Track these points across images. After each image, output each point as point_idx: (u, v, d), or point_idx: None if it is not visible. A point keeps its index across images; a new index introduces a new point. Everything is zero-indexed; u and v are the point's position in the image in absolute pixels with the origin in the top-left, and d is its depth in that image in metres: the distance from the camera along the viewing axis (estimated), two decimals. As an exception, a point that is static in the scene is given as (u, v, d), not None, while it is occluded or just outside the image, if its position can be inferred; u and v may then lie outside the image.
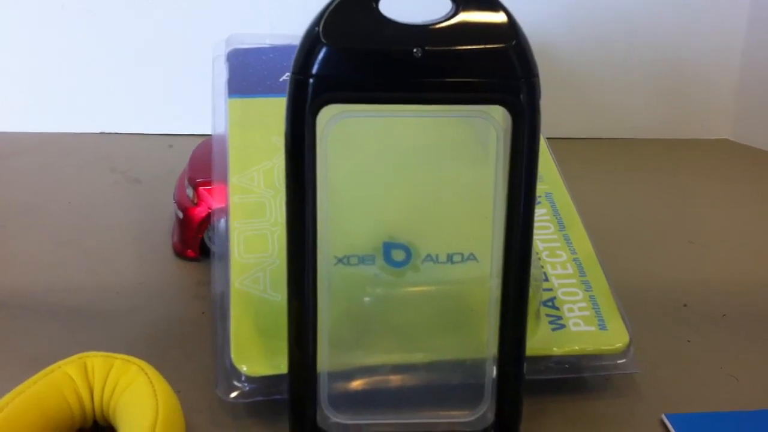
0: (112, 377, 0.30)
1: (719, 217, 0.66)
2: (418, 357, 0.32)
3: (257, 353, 0.33)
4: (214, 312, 0.37)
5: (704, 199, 0.72)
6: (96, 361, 0.30)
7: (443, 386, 0.32)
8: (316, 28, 0.26)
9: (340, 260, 0.30)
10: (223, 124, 0.44)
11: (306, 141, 0.26)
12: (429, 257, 0.31)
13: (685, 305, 0.47)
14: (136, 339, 0.40)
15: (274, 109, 0.41)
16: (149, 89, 0.89)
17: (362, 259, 0.30)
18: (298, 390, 0.30)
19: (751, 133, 0.96)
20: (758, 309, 0.47)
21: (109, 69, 0.88)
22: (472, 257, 0.30)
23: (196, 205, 0.50)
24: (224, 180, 0.41)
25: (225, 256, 0.38)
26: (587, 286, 0.39)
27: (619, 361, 0.36)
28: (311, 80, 0.26)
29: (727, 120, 1.00)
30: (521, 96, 0.26)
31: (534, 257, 0.33)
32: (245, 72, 0.47)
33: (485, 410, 0.31)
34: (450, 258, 0.31)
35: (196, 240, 0.50)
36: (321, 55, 0.26)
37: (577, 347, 0.35)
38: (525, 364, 0.30)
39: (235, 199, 0.40)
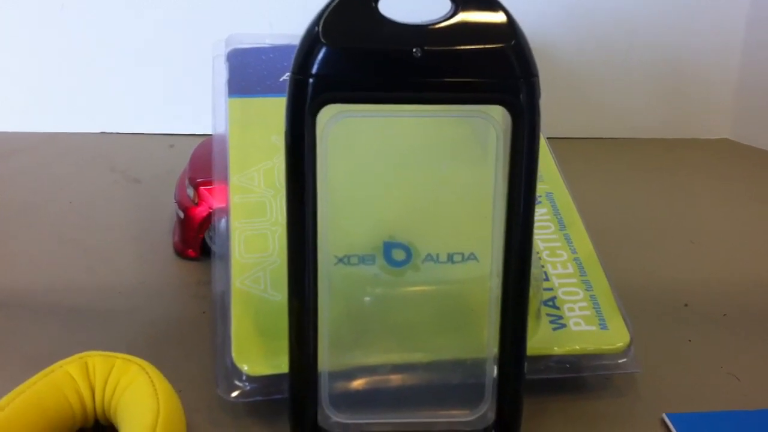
0: (113, 377, 0.30)
1: (719, 217, 0.66)
2: (419, 357, 0.32)
3: (258, 353, 0.33)
4: (215, 312, 0.37)
5: (704, 199, 0.72)
6: (97, 360, 0.30)
7: (444, 386, 0.32)
8: (316, 28, 0.26)
9: (340, 260, 0.30)
10: (223, 124, 0.44)
11: (306, 141, 0.26)
12: (429, 257, 0.31)
13: (685, 305, 0.47)
14: (137, 338, 0.40)
15: (274, 109, 0.41)
16: (149, 89, 0.89)
17: (362, 259, 0.30)
18: (299, 389, 0.30)
19: (751, 133, 0.96)
20: (759, 309, 0.47)
21: (109, 69, 0.88)
22: (472, 257, 0.30)
23: (197, 204, 0.50)
24: (225, 180, 0.41)
25: (225, 256, 0.38)
26: (588, 286, 0.39)
27: (619, 361, 0.36)
28: (311, 80, 0.26)
29: (726, 120, 1.00)
30: (521, 96, 0.26)
31: (534, 257, 0.33)
32: (245, 72, 0.47)
33: (486, 410, 0.31)
34: (450, 258, 0.31)
35: (197, 240, 0.50)
36: (320, 55, 0.26)
37: (577, 347, 0.35)
38: (525, 364, 0.30)
39: (235, 199, 0.40)
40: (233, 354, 0.33)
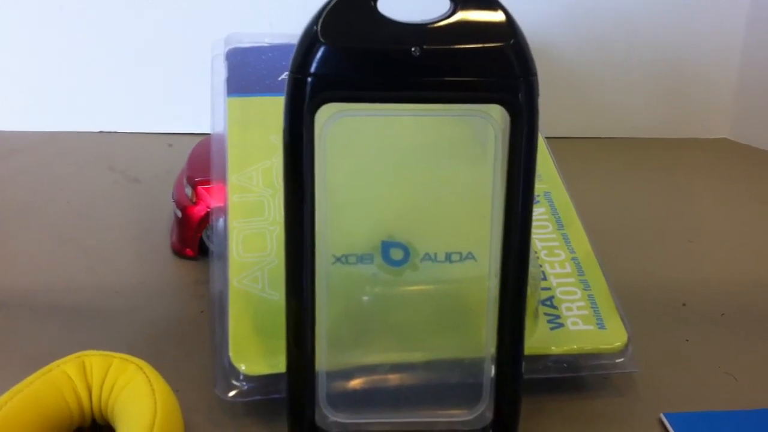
0: (110, 376, 0.30)
1: (718, 217, 0.66)
2: (417, 356, 0.32)
3: (256, 352, 0.33)
4: (213, 311, 0.37)
5: (703, 199, 0.72)
6: (94, 360, 0.30)
7: (442, 385, 0.32)
8: (315, 27, 0.26)
9: (338, 259, 0.30)
10: (221, 123, 0.44)
11: (304, 140, 0.26)
12: (427, 256, 0.31)
13: (683, 304, 0.47)
14: (135, 338, 0.40)
15: (273, 108, 0.41)
16: (149, 89, 0.89)
17: (361, 258, 0.30)
18: (297, 389, 0.30)
19: (751, 133, 0.96)
20: (757, 308, 0.47)
21: (108, 69, 0.88)
22: (470, 256, 0.30)
23: (195, 204, 0.50)
24: (223, 179, 0.41)
25: (224, 255, 0.38)
26: (586, 285, 0.39)
27: (617, 360, 0.36)
28: (309, 79, 0.26)
29: (726, 119, 1.00)
30: (519, 95, 0.26)
31: (532, 256, 0.33)
32: (244, 71, 0.47)
33: (484, 409, 0.31)
34: (448, 257, 0.31)
35: (195, 239, 0.50)
36: (319, 54, 0.26)
37: (575, 346, 0.35)
38: (523, 363, 0.30)
39: (233, 198, 0.40)
40: (231, 353, 0.33)
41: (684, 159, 0.89)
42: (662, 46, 0.95)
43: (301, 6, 0.85)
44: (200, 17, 0.87)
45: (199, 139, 0.58)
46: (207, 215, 0.49)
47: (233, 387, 0.33)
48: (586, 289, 0.39)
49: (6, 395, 0.28)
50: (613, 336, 0.36)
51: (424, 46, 0.26)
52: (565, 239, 0.42)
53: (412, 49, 0.26)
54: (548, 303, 0.38)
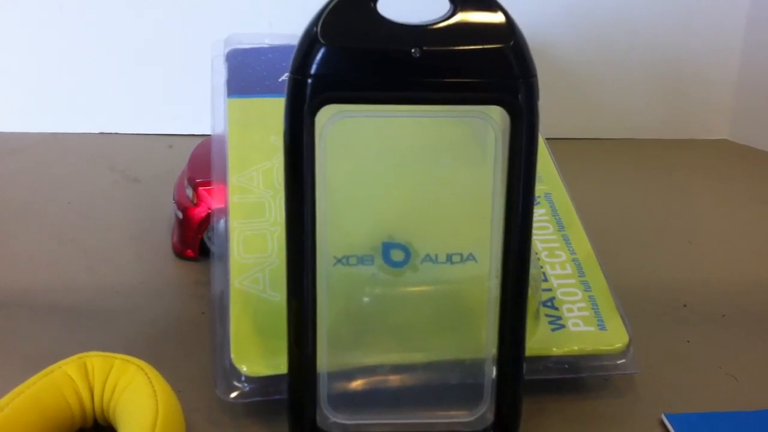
0: (111, 377, 0.30)
1: (718, 217, 0.66)
2: (418, 357, 0.32)
3: (257, 353, 0.33)
4: (214, 312, 0.37)
5: (703, 199, 0.72)
6: (96, 361, 0.30)
7: (442, 386, 0.32)
8: (315, 28, 0.26)
9: (339, 260, 0.30)
10: (222, 124, 0.44)
11: (305, 141, 0.26)
12: (428, 257, 0.31)
13: (684, 305, 0.47)
14: (136, 339, 0.40)
15: (273, 109, 0.41)
16: (149, 89, 0.89)
17: (361, 259, 0.30)
18: (298, 390, 0.30)
19: (750, 134, 0.96)
20: (758, 309, 0.47)
21: (108, 69, 0.88)
22: (471, 257, 0.30)
23: (196, 205, 0.50)
24: (223, 180, 0.41)
25: (224, 256, 0.38)
26: (586, 286, 0.39)
27: (618, 362, 0.36)
28: (309, 80, 0.26)
29: (726, 120, 1.00)
30: (519, 96, 0.26)
31: (533, 257, 0.33)
32: (244, 72, 0.47)
33: (484, 410, 0.31)
34: (449, 258, 0.31)
35: (196, 240, 0.50)
36: (319, 55, 0.26)
37: (576, 347, 0.35)
38: (524, 364, 0.30)
39: (234, 199, 0.40)
40: (232, 354, 0.33)
41: (684, 159, 0.89)
42: (662, 46, 0.95)
43: (301, 6, 0.85)
44: (200, 17, 0.87)
45: (199, 140, 0.58)
46: (208, 216, 0.49)
47: (234, 388, 0.33)
48: (586, 290, 0.39)
49: (8, 396, 0.28)
50: (613, 337, 0.36)
51: (424, 47, 0.26)
52: (566, 240, 0.42)
53: (412, 50, 0.26)
54: (549, 304, 0.38)
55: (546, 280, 0.39)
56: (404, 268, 0.31)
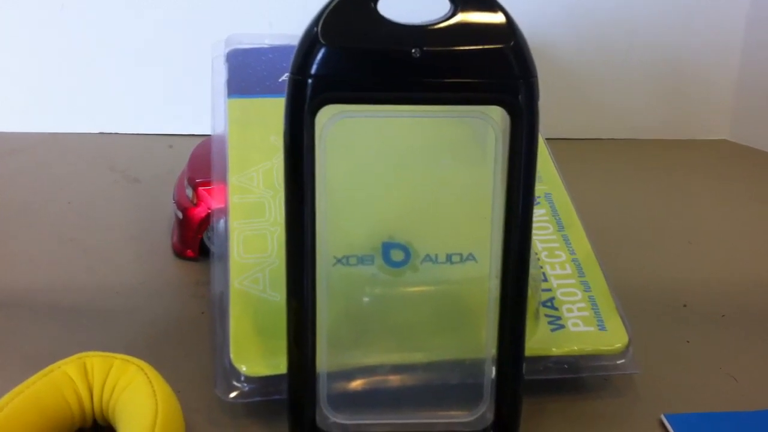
0: (111, 377, 0.30)
1: (718, 218, 0.66)
2: (417, 357, 0.32)
3: (256, 353, 0.33)
4: (214, 312, 0.37)
5: (703, 200, 0.72)
6: (95, 361, 0.30)
7: (442, 386, 0.32)
8: (315, 29, 0.26)
9: (339, 260, 0.30)
10: (222, 125, 0.44)
11: (305, 141, 0.26)
12: (428, 257, 0.31)
13: (684, 305, 0.47)
14: (136, 339, 0.40)
15: (274, 110, 0.41)
16: (149, 89, 0.89)
17: (361, 260, 0.30)
18: (297, 390, 0.30)
19: (750, 134, 0.96)
20: (758, 309, 0.47)
21: (108, 69, 0.88)
22: (471, 257, 0.31)
23: (196, 205, 0.50)
24: (223, 180, 0.41)
25: (224, 256, 0.38)
26: (586, 287, 0.39)
27: (618, 362, 0.36)
28: (310, 80, 0.26)
29: (726, 120, 1.00)
30: (519, 96, 0.26)
31: (533, 257, 0.33)
32: (244, 72, 0.47)
33: (484, 410, 0.31)
34: (449, 258, 0.31)
35: (196, 240, 0.50)
36: (320, 56, 0.26)
37: (576, 347, 0.35)
38: (524, 365, 0.30)
39: (234, 199, 0.40)
40: (232, 354, 0.33)
41: (684, 160, 0.89)
42: (662, 46, 0.95)
43: (301, 6, 0.85)
44: (200, 17, 0.87)
45: (199, 140, 0.58)
46: (208, 216, 0.49)
47: (234, 388, 0.33)
48: (586, 291, 0.39)
49: (7, 396, 0.28)
50: (613, 337, 0.36)
51: (425, 48, 0.26)
52: (566, 240, 0.42)
53: (413, 50, 0.26)
54: (549, 304, 0.38)
55: (546, 280, 0.39)
56: (404, 268, 0.31)
